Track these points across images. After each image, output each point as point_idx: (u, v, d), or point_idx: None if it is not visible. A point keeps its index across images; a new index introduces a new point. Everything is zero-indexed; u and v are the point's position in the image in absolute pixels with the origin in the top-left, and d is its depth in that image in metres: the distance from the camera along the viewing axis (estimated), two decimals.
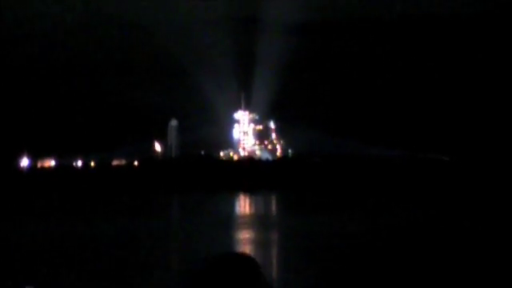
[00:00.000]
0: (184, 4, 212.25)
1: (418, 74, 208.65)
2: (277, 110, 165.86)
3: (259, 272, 4.00)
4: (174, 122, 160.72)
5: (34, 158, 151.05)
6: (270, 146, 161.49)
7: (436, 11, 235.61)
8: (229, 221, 60.92)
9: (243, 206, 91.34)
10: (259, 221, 61.65)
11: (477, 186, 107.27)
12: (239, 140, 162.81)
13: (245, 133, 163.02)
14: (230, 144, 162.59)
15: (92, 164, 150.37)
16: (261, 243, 44.05)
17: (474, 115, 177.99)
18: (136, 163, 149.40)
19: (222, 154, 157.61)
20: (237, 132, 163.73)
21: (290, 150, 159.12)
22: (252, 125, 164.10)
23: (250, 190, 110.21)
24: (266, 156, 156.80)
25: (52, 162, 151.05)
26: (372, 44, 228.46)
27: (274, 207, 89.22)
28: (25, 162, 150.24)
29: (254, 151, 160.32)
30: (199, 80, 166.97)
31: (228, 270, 3.94)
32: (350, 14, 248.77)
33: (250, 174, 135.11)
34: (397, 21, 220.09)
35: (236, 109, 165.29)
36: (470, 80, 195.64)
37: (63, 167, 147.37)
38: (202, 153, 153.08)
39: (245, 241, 45.53)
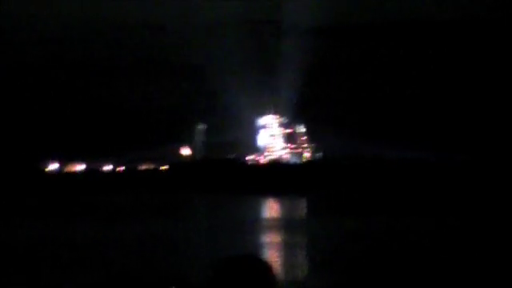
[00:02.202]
0: (208, 6, 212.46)
1: (447, 75, 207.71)
2: (306, 113, 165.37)
3: (266, 273, 3.94)
4: (201, 126, 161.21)
5: (63, 162, 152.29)
6: (298, 150, 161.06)
7: (458, 16, 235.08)
8: (254, 224, 60.91)
9: (270, 209, 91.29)
10: (284, 224, 61.59)
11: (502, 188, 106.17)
12: (267, 144, 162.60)
13: (273, 136, 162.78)
14: (258, 148, 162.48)
15: (121, 168, 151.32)
16: (286, 246, 43.94)
17: (497, 116, 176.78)
18: (165, 167, 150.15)
19: (249, 157, 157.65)
20: (264, 136, 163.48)
21: (318, 154, 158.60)
22: (281, 128, 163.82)
23: (276, 194, 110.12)
24: (295, 160, 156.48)
25: (81, 167, 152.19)
26: (401, 46, 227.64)
27: (300, 211, 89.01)
28: (54, 166, 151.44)
29: (282, 155, 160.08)
30: (226, 83, 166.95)
31: (235, 272, 3.93)
32: (378, 16, 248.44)
33: (277, 177, 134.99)
34: (421, 23, 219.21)
35: (263, 113, 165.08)
36: (494, 82, 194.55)
37: (92, 171, 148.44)
38: (231, 157, 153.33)
39: (270, 244, 45.44)
